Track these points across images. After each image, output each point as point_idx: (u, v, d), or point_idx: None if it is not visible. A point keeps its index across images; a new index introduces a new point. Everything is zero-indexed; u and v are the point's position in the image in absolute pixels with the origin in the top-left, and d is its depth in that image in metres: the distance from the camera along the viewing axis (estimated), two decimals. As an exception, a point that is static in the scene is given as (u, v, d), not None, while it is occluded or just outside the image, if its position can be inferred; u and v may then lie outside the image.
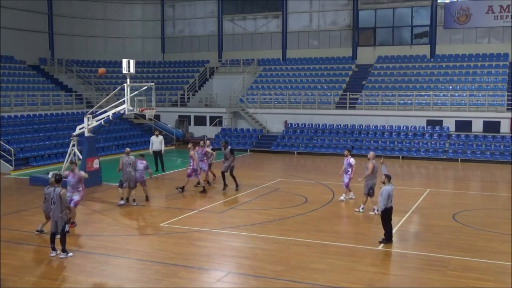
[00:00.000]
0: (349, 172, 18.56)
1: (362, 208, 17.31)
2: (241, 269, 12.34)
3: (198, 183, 21.22)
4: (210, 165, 22.10)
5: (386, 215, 14.02)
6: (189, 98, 41.63)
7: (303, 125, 35.63)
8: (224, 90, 40.17)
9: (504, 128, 31.70)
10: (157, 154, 25.61)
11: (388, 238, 14.00)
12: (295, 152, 33.11)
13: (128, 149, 19.88)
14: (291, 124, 36.04)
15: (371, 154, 17.82)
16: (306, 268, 12.10)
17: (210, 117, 38.96)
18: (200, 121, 39.42)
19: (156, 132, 26.17)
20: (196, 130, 39.20)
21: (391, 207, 14.05)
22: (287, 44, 43.01)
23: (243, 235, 14.97)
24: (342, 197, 19.21)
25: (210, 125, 38.70)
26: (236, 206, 18.49)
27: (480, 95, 33.83)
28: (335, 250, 13.52)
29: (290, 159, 31.68)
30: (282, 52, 43.05)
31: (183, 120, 39.84)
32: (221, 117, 38.39)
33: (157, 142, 25.57)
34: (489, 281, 11.35)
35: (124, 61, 21.00)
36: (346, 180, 18.78)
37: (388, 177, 14.20)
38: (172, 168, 26.76)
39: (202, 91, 42.33)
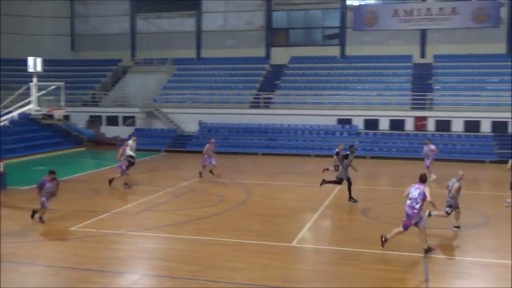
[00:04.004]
0: (430, 157, 22.86)
1: None
2: (156, 270, 12.17)
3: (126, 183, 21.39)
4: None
5: None
6: (101, 97, 40.49)
7: (218, 125, 35.67)
8: (138, 90, 39.43)
9: (409, 126, 33.47)
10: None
11: None
12: (211, 152, 33.02)
13: None
14: (206, 123, 35.97)
15: None
16: (223, 267, 12.12)
17: (123, 117, 38.13)
18: (112, 121, 38.44)
19: (133, 138, 25.24)
20: (109, 130, 38.17)
21: None
22: (202, 44, 42.88)
23: (158, 236, 14.76)
24: (434, 176, 22.54)
25: (123, 125, 37.88)
26: (151, 207, 18.20)
27: (387, 94, 35.44)
28: (252, 248, 13.64)
29: (206, 158, 31.50)
30: (197, 51, 42.87)
31: (94, 120, 38.69)
32: (134, 117, 37.67)
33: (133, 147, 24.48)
34: (399, 272, 11.89)
35: (30, 59, 20.24)
36: (427, 164, 22.88)
37: None
38: (84, 170, 26.03)
39: (114, 91, 41.31)
